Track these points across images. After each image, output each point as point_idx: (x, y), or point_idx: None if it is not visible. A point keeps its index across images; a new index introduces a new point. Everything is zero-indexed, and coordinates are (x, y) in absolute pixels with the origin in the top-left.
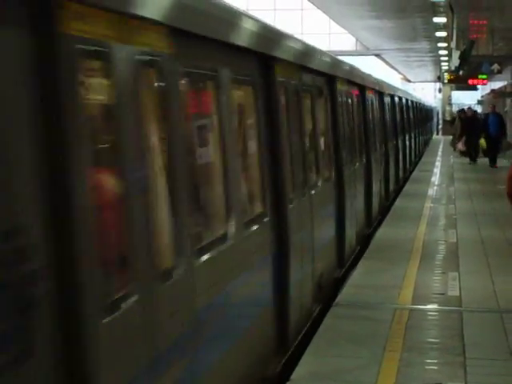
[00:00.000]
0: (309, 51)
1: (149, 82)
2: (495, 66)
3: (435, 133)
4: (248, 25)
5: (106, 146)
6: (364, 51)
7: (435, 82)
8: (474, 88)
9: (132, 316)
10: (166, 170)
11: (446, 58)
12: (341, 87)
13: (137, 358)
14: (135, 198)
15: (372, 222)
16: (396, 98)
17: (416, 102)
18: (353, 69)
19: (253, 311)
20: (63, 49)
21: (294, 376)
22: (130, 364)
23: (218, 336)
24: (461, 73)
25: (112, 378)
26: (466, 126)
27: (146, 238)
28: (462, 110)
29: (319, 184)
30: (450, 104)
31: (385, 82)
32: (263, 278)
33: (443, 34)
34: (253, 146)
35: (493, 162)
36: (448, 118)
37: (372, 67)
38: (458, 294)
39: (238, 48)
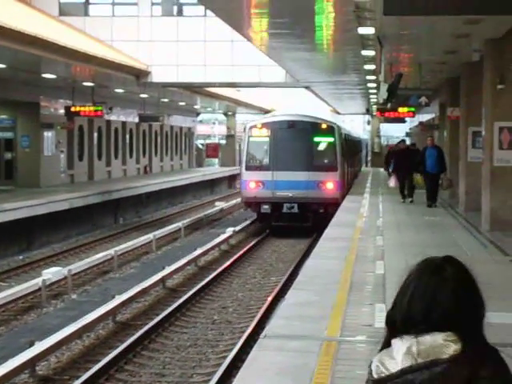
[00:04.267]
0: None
1: None
2: (423, 99)
3: (364, 164)
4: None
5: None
6: (294, 83)
7: (364, 114)
8: (402, 120)
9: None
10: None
11: (375, 91)
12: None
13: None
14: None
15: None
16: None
17: (346, 134)
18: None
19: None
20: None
21: None
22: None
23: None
24: (389, 105)
25: None
26: (398, 160)
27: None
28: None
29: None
30: (379, 136)
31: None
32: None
33: (372, 66)
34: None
35: (432, 202)
36: (377, 150)
37: (302, 99)
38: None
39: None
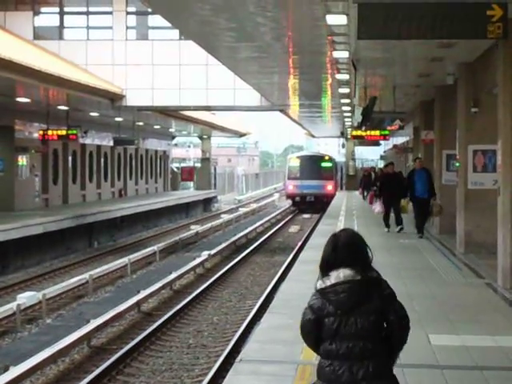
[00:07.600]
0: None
1: None
2: (397, 122)
3: (339, 187)
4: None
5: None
6: (269, 106)
7: (339, 137)
8: (376, 143)
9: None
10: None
11: (349, 114)
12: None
13: None
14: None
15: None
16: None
17: (336, 161)
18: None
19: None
20: None
21: None
22: None
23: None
24: (363, 128)
25: None
26: (383, 185)
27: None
28: (372, 168)
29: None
30: (354, 159)
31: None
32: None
33: (346, 90)
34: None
35: (422, 231)
36: (352, 173)
37: (277, 123)
38: None
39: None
